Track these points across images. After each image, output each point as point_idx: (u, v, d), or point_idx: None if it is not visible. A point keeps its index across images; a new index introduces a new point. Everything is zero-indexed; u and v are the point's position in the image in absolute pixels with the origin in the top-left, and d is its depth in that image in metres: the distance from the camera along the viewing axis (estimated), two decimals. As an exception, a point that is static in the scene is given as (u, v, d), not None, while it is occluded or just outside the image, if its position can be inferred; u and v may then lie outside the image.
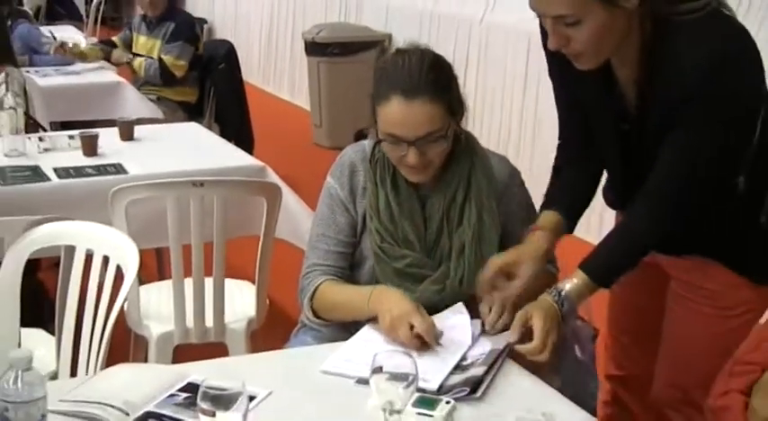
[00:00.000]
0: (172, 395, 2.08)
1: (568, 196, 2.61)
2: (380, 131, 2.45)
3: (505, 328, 2.38)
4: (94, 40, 6.85)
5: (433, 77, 2.41)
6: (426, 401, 2.04)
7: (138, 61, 6.25)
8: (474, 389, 2.10)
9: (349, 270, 2.60)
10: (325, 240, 2.59)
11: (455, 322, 2.40)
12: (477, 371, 2.18)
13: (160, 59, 6.12)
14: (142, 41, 6.29)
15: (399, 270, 2.54)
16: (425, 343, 2.27)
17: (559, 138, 2.71)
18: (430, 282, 2.52)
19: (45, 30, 7.21)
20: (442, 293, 2.51)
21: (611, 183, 2.65)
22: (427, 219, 2.56)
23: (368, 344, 2.31)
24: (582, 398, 2.25)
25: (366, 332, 2.41)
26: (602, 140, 2.52)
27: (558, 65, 2.47)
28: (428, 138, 2.40)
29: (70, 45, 6.47)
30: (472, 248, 2.51)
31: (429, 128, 2.39)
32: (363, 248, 2.59)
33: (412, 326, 2.27)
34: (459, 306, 2.46)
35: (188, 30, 6.25)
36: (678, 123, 2.26)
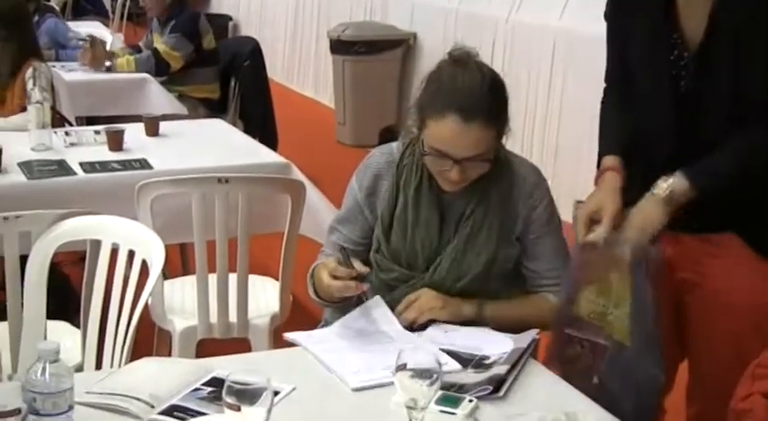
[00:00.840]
0: (196, 389, 2.10)
1: (624, 139, 2.63)
2: (427, 144, 2.44)
3: (524, 327, 2.42)
4: (120, 36, 6.91)
5: (490, 101, 2.40)
6: (449, 399, 2.05)
7: (123, 59, 6.23)
8: (497, 387, 2.11)
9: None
10: (337, 235, 2.66)
11: (377, 315, 2.47)
12: (500, 369, 2.19)
13: (154, 49, 6.15)
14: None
15: (385, 281, 2.58)
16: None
17: (606, 81, 2.74)
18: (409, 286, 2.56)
19: (71, 25, 7.25)
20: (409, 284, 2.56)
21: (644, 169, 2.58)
22: (444, 228, 2.56)
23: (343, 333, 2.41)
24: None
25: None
26: (651, 103, 2.53)
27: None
28: (474, 159, 2.40)
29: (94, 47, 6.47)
30: (452, 255, 2.53)
31: (478, 150, 2.39)
32: None
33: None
34: (378, 299, 2.52)
35: (187, 25, 6.24)
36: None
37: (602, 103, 2.77)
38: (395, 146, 2.63)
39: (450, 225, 2.55)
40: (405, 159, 2.58)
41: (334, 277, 2.37)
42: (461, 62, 2.45)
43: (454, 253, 2.52)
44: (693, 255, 2.59)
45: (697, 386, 2.73)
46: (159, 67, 6.13)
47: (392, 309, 2.48)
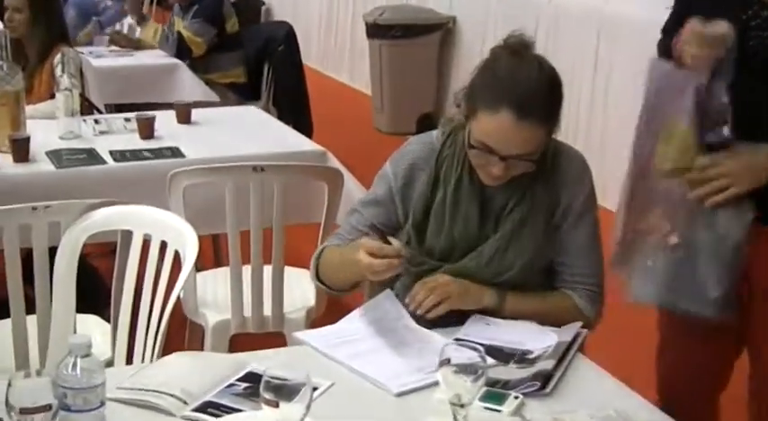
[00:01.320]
0: (231, 385, 2.10)
1: None
2: (474, 137, 2.39)
3: (576, 310, 2.45)
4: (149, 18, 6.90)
5: (548, 99, 2.37)
6: (494, 396, 2.04)
7: (151, 28, 6.33)
8: (544, 384, 2.10)
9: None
10: (357, 217, 2.62)
11: (391, 310, 2.46)
12: (546, 364, 2.17)
13: (179, 32, 6.18)
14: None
15: (414, 273, 2.54)
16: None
17: (663, 31, 2.68)
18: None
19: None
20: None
21: None
22: (483, 221, 2.53)
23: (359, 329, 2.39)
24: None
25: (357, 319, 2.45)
26: None
27: None
28: (521, 158, 2.37)
29: (125, 31, 6.55)
30: (493, 248, 2.49)
31: (526, 149, 2.36)
32: None
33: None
34: (388, 292, 2.52)
35: (210, 10, 6.27)
36: None
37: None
38: (435, 135, 2.60)
39: (489, 220, 2.52)
40: (445, 150, 2.54)
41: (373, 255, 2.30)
42: (520, 54, 2.40)
43: (496, 245, 2.49)
44: None
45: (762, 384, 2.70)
46: (181, 51, 6.17)
47: None
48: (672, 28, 2.60)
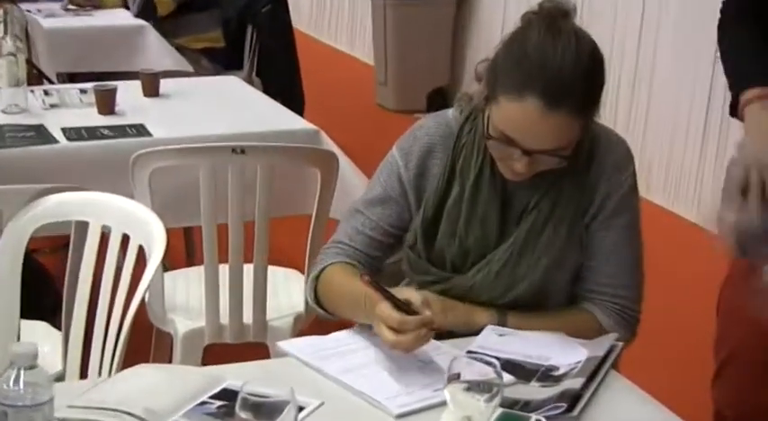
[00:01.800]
0: (203, 403, 2.11)
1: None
2: (493, 125, 2.36)
3: (599, 332, 2.44)
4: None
5: (585, 85, 2.31)
6: (512, 418, 2.05)
7: None
8: (571, 405, 2.10)
9: (378, 261, 2.59)
10: (361, 220, 2.58)
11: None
12: (574, 383, 2.18)
13: None
14: None
15: (418, 283, 2.55)
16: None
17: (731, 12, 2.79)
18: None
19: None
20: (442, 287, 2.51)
21: None
22: (504, 225, 2.51)
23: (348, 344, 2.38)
24: None
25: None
26: None
27: None
28: (549, 153, 2.34)
29: None
30: (502, 260, 2.48)
31: (555, 144, 2.33)
32: None
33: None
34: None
35: None
36: None
37: (723, 32, 2.78)
38: (451, 114, 2.57)
39: (511, 222, 2.51)
40: (464, 136, 2.52)
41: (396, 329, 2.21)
42: (555, 28, 2.32)
43: (508, 253, 2.47)
44: None
45: None
46: (145, 11, 6.18)
47: None
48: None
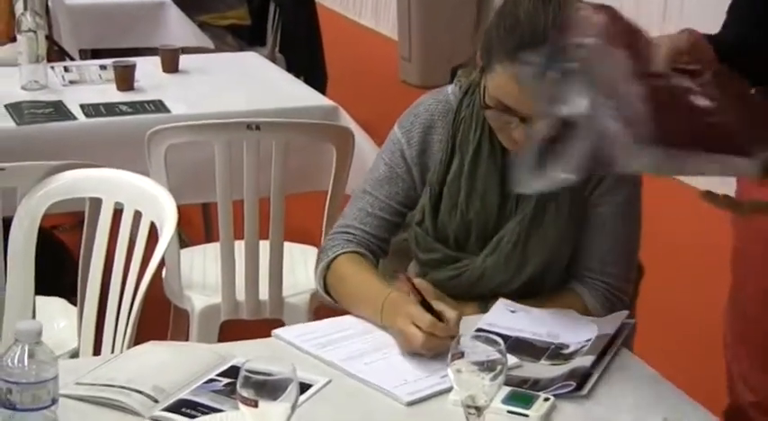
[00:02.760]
0: (211, 380, 2.11)
1: None
2: (490, 94, 2.37)
3: (617, 307, 2.42)
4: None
5: None
6: (520, 397, 2.04)
7: None
8: (581, 384, 2.09)
9: (386, 243, 2.59)
10: (370, 201, 2.57)
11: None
12: (584, 361, 2.17)
13: None
14: None
15: (423, 260, 2.55)
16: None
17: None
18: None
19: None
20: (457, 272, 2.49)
21: None
22: (504, 199, 2.50)
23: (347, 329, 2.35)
24: None
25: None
26: None
27: None
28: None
29: None
30: (512, 239, 2.47)
31: None
32: None
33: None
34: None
35: None
36: None
37: None
38: (450, 90, 2.58)
39: (511, 196, 2.50)
40: (462, 110, 2.52)
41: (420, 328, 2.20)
42: None
43: (516, 232, 2.47)
44: None
45: None
46: None
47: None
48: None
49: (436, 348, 2.17)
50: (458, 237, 2.52)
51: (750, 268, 2.81)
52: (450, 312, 2.22)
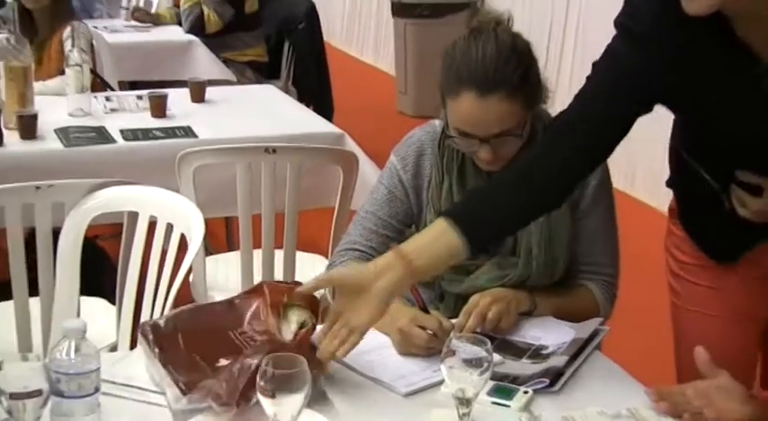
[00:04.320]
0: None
1: None
2: (450, 126, 2.38)
3: (596, 304, 2.43)
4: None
5: (509, 70, 2.28)
6: (503, 390, 2.04)
7: (166, 11, 6.51)
8: (553, 381, 2.09)
9: None
10: (373, 220, 2.56)
11: None
12: (558, 361, 2.16)
13: (201, 7, 6.20)
14: None
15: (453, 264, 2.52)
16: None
17: (575, 116, 2.20)
18: (496, 264, 2.48)
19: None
20: (501, 282, 2.45)
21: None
22: None
23: None
24: None
25: None
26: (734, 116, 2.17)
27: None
28: (502, 136, 2.32)
29: (142, 4, 6.59)
30: (541, 249, 2.45)
31: (503, 126, 2.31)
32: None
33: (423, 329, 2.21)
34: None
35: None
36: None
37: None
38: (437, 123, 2.57)
39: None
40: (446, 139, 2.50)
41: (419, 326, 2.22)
42: (477, 31, 2.34)
43: (541, 239, 2.45)
44: None
45: None
46: (195, 26, 6.19)
47: (463, 299, 2.38)
48: (599, 114, 2.17)
49: (433, 348, 2.17)
50: None
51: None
52: (446, 321, 2.23)
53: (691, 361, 2.12)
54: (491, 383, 2.01)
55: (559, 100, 2.45)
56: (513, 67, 2.30)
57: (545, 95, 2.42)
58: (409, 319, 2.22)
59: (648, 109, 2.15)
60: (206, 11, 6.17)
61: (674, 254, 2.58)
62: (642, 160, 6.08)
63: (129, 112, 4.25)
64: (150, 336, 2.07)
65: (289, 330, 2.12)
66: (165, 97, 4.23)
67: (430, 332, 2.19)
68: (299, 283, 2.25)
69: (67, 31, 4.35)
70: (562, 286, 2.51)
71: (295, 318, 2.14)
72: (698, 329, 2.60)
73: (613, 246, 2.56)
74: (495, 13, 2.40)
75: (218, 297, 3.37)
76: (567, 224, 2.48)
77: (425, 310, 2.26)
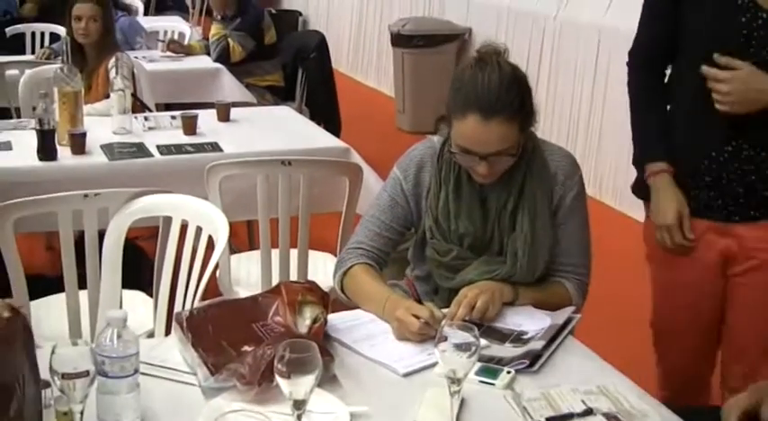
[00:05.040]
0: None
1: (666, 138, 2.66)
2: (454, 143, 2.37)
3: (569, 298, 2.42)
4: (199, 29, 6.92)
5: (510, 97, 2.29)
6: (488, 371, 2.03)
7: (197, 44, 6.54)
8: (532, 362, 2.08)
9: (388, 256, 2.58)
10: (377, 224, 2.55)
11: None
12: (537, 344, 2.15)
13: (227, 39, 6.20)
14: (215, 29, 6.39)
15: (445, 263, 2.51)
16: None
17: (636, 60, 2.75)
18: (484, 261, 2.46)
19: (153, 19, 7.27)
20: (489, 276, 2.43)
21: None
22: (486, 215, 2.48)
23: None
24: None
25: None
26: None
27: None
28: (499, 154, 2.33)
29: (176, 37, 6.58)
30: (525, 252, 2.44)
31: (501, 146, 2.31)
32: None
33: (417, 318, 2.19)
34: None
35: (251, 24, 6.29)
36: None
37: (633, 85, 2.75)
38: (436, 139, 2.56)
39: (491, 215, 2.47)
40: (444, 153, 2.50)
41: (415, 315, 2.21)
42: (483, 61, 2.34)
43: (527, 243, 2.44)
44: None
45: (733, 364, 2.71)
46: (221, 56, 6.19)
47: (455, 292, 2.36)
48: (651, 55, 2.69)
49: (425, 335, 2.16)
50: (461, 243, 2.49)
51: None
52: (437, 311, 2.22)
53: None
54: (478, 365, 2.00)
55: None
56: (513, 95, 2.31)
57: (535, 120, 2.42)
58: (405, 309, 2.22)
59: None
60: (231, 43, 6.18)
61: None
62: (608, 173, 6.09)
63: (164, 130, 4.23)
64: (184, 324, 2.08)
65: (304, 324, 2.12)
66: (195, 117, 4.21)
67: (423, 320, 2.18)
68: (312, 283, 2.26)
69: (112, 60, 4.34)
70: (541, 282, 2.50)
71: (309, 314, 2.13)
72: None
73: (586, 249, 2.55)
74: (494, 44, 2.39)
75: (242, 290, 3.41)
76: (548, 231, 2.47)
77: (419, 301, 2.25)
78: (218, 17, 6.40)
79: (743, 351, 2.66)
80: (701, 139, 2.56)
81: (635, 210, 5.55)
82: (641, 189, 2.73)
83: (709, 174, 2.55)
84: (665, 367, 2.87)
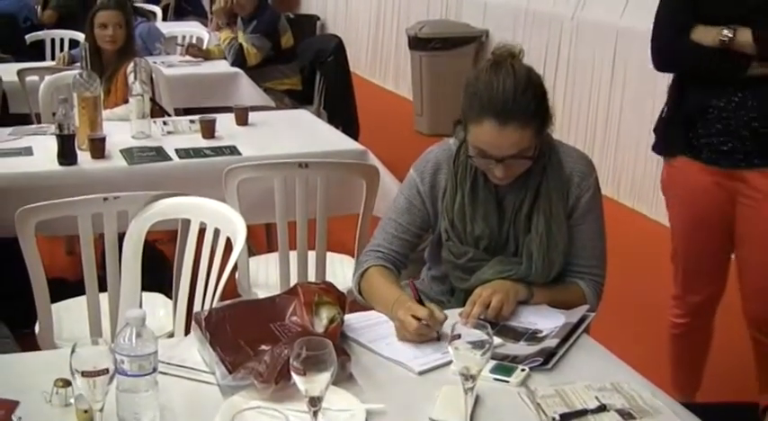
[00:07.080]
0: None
1: None
2: (471, 146, 2.38)
3: (584, 299, 2.43)
4: (217, 34, 6.94)
5: (525, 102, 2.30)
6: (503, 368, 2.05)
7: (215, 47, 6.61)
8: (546, 360, 2.10)
9: (406, 258, 2.60)
10: (395, 226, 2.57)
11: None
12: (551, 343, 2.17)
13: (240, 43, 6.26)
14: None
15: (461, 265, 2.53)
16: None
17: (682, 27, 2.94)
18: (500, 261, 2.48)
19: (172, 25, 7.30)
20: (504, 275, 2.45)
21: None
22: (502, 216, 2.50)
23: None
24: None
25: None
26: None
27: None
28: (515, 157, 2.34)
29: (195, 42, 6.64)
30: (540, 254, 2.45)
31: (517, 149, 2.32)
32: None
33: (417, 319, 2.20)
34: None
35: (267, 25, 6.34)
36: None
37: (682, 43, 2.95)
38: (451, 141, 2.57)
39: (507, 216, 2.49)
40: (460, 156, 2.51)
41: (414, 316, 2.21)
42: (497, 65, 2.35)
43: (543, 244, 2.45)
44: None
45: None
46: (237, 60, 6.23)
47: (471, 293, 2.38)
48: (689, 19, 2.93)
49: (424, 336, 2.19)
50: (477, 244, 2.51)
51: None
52: (438, 312, 2.23)
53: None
54: (493, 362, 2.03)
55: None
56: (529, 99, 2.31)
57: (551, 122, 2.43)
58: (405, 309, 2.23)
59: None
60: (245, 45, 6.21)
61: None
62: (626, 174, 6.08)
63: (183, 134, 4.26)
64: (203, 323, 2.11)
65: (320, 325, 2.14)
66: (213, 121, 4.24)
67: (422, 321, 2.19)
68: (329, 284, 2.28)
69: (131, 66, 4.38)
70: (556, 283, 2.51)
71: (325, 314, 2.16)
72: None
73: (602, 250, 2.56)
74: (509, 45, 2.40)
75: (260, 292, 3.43)
76: (563, 232, 2.48)
77: (421, 302, 2.26)
78: (226, 23, 6.46)
79: (760, 288, 3.00)
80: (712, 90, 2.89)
81: (653, 210, 5.56)
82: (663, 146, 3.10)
83: (719, 121, 2.89)
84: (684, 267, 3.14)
